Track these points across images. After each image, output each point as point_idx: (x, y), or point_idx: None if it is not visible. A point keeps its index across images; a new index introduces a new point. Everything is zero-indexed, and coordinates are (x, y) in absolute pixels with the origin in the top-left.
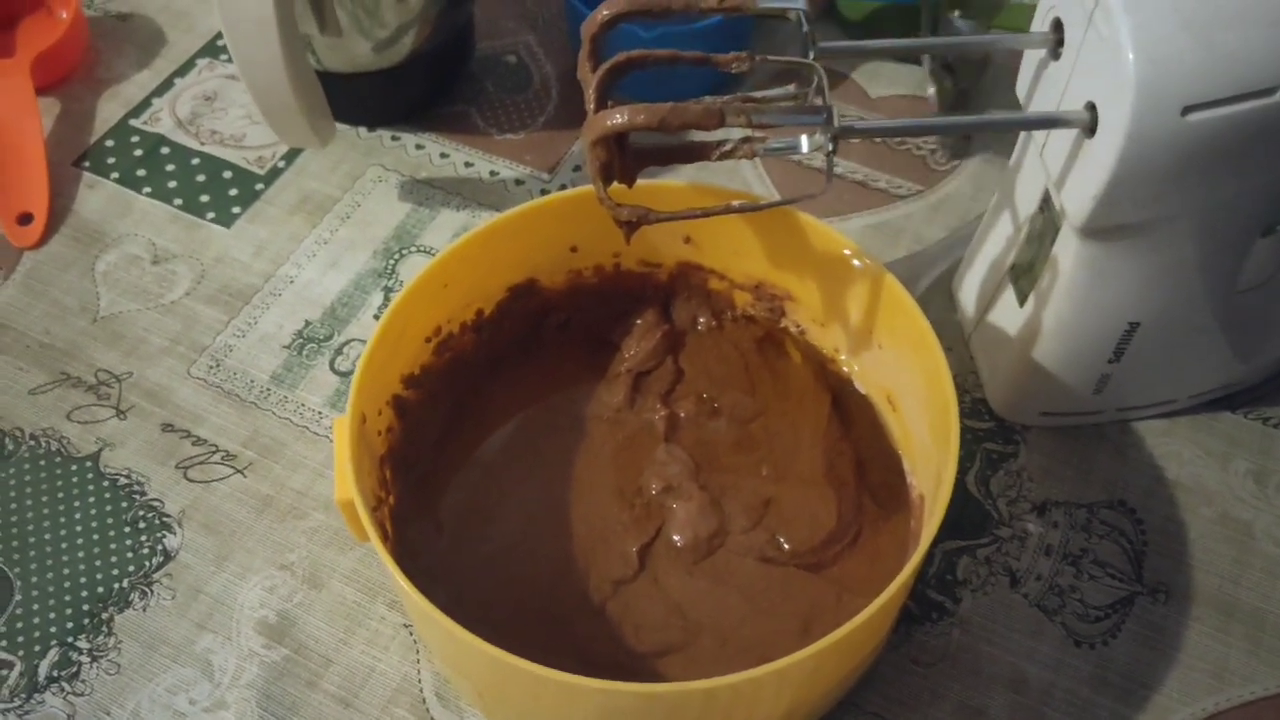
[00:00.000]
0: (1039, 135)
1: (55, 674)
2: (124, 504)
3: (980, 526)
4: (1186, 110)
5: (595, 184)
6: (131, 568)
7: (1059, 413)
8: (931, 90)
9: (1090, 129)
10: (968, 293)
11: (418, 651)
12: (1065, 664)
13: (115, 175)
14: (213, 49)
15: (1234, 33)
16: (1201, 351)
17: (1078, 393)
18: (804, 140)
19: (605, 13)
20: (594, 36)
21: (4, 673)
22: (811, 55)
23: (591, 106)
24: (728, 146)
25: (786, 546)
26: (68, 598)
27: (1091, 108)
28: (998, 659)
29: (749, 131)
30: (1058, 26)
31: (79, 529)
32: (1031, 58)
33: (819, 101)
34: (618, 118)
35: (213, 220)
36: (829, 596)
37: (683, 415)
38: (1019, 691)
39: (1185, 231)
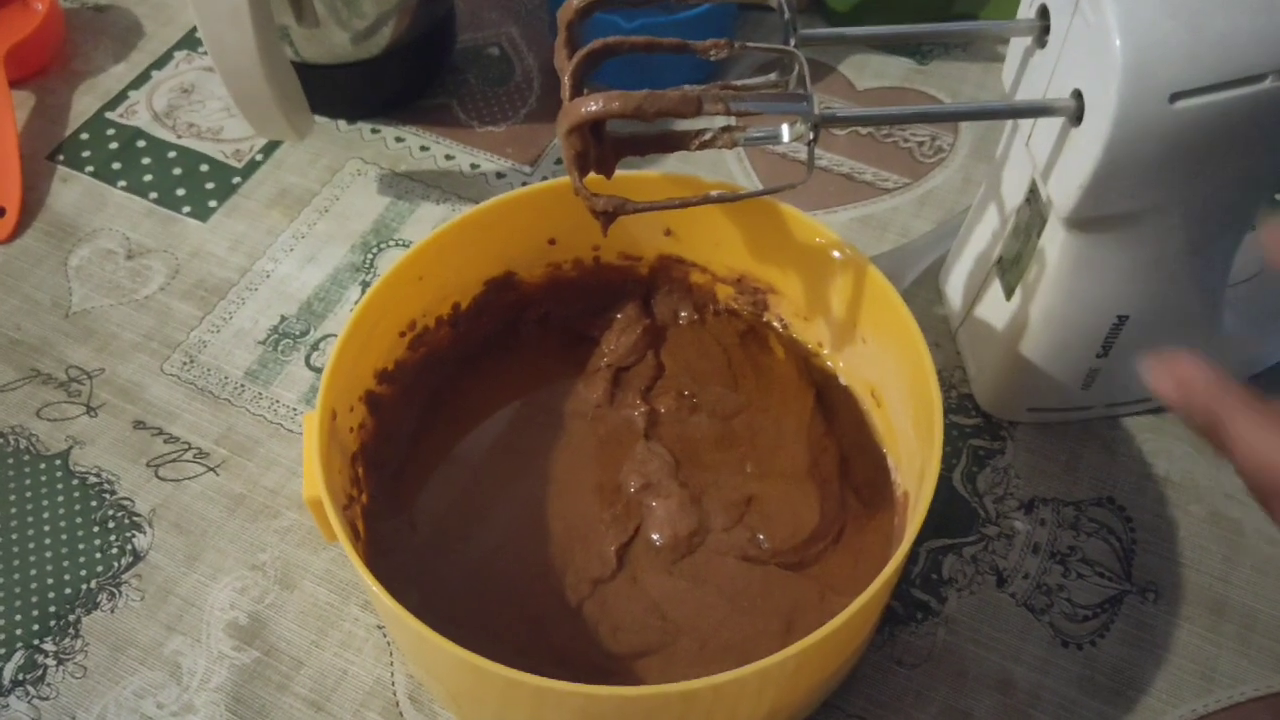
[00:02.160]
0: (1025, 125)
1: (20, 677)
2: (93, 503)
3: (967, 524)
4: (1174, 97)
5: (571, 174)
6: (100, 568)
7: (1047, 408)
8: None
9: (1077, 117)
10: (954, 286)
11: (391, 654)
12: (1053, 664)
13: (90, 169)
14: (191, 41)
15: (1222, 19)
16: (1192, 346)
17: (1066, 388)
18: (785, 129)
19: None
20: (570, 24)
21: None
22: (793, 43)
23: (567, 95)
24: (707, 136)
25: (768, 545)
26: (34, 599)
27: (1078, 95)
28: (984, 660)
29: (729, 120)
30: (1044, 13)
31: (47, 528)
32: (1018, 46)
33: (800, 90)
34: (593, 105)
35: (189, 214)
36: (811, 596)
37: (663, 411)
38: (1005, 693)
39: (1174, 223)
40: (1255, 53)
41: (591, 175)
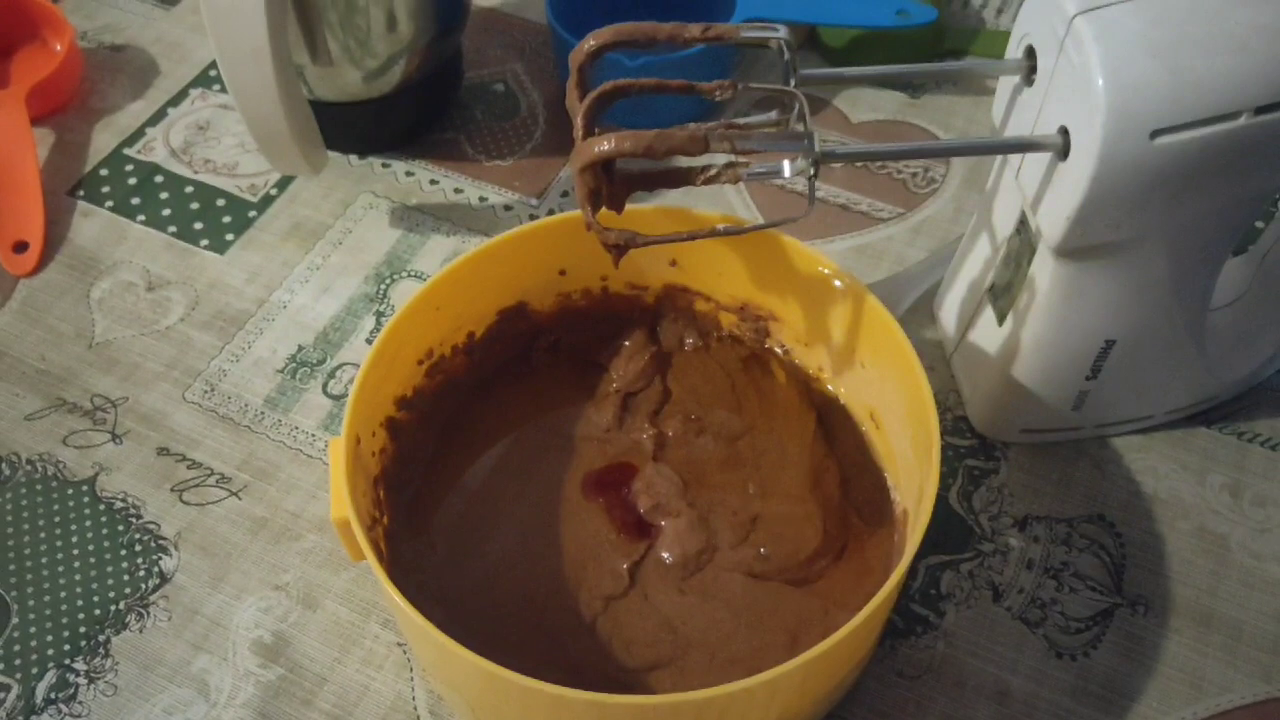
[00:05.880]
0: (1014, 158)
1: (52, 696)
2: (120, 527)
3: (963, 541)
4: (1155, 134)
5: (583, 209)
6: (128, 590)
7: (1039, 429)
8: None
9: (1063, 152)
10: (948, 313)
11: (411, 670)
12: (1047, 675)
13: (110, 204)
14: (205, 79)
15: (1200, 59)
16: (1177, 368)
17: (1057, 410)
18: (786, 165)
19: (592, 42)
20: (581, 66)
21: (1, 695)
22: (793, 83)
23: (579, 134)
24: (712, 171)
25: (773, 562)
26: (65, 620)
27: (1064, 132)
28: (981, 671)
29: (733, 157)
30: (1030, 54)
31: (76, 552)
32: (1006, 84)
33: (800, 127)
34: (605, 144)
35: (206, 247)
36: (816, 610)
37: (670, 434)
38: (1002, 703)
39: (1158, 251)
40: (1231, 91)
41: (603, 210)
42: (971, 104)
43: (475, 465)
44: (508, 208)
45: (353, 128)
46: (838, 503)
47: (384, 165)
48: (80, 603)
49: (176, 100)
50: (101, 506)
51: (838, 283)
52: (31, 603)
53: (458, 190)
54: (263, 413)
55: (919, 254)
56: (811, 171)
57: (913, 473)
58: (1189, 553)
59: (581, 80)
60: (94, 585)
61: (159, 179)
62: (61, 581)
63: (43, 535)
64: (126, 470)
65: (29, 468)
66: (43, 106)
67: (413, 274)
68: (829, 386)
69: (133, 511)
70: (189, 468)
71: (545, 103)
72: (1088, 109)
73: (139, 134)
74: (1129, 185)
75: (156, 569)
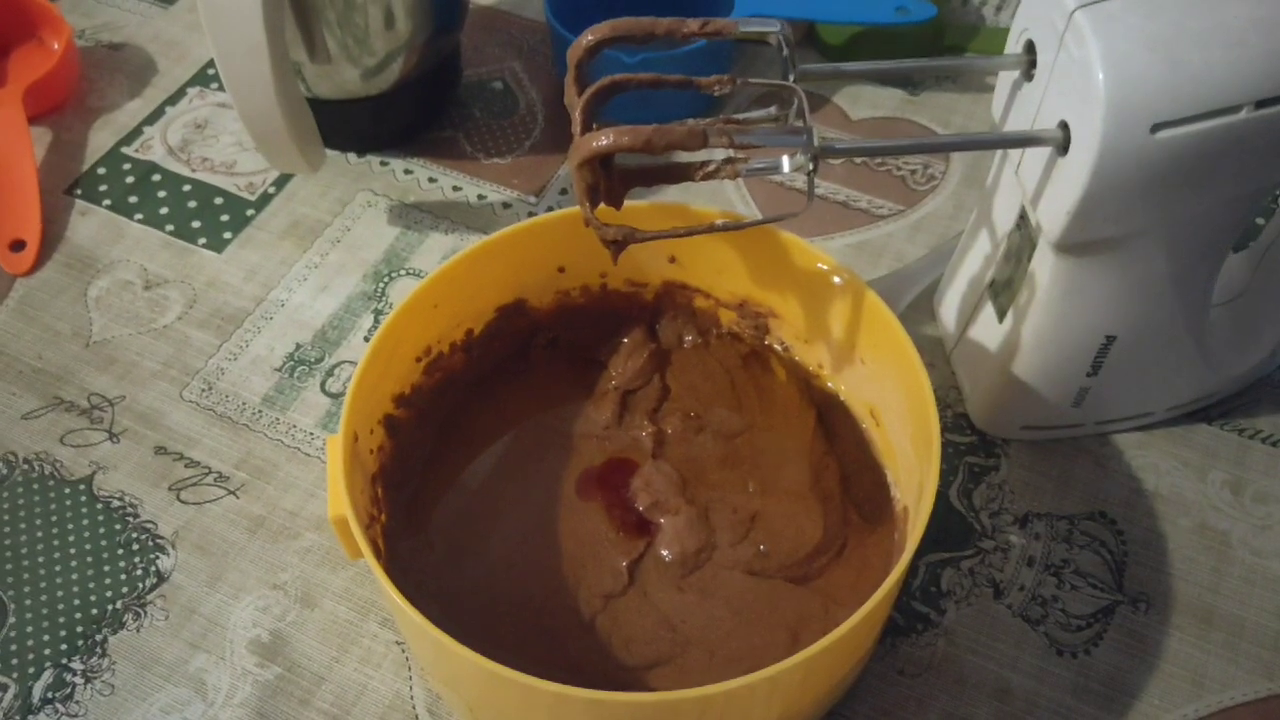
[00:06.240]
0: (1014, 154)
1: (49, 695)
2: (117, 526)
3: (964, 539)
4: (1155, 128)
5: (582, 205)
6: (125, 589)
7: (1039, 426)
8: None
9: (1063, 147)
10: (948, 309)
11: (410, 668)
12: (1048, 673)
13: (107, 202)
14: (203, 77)
15: (1199, 53)
16: (1177, 364)
17: (1057, 406)
18: (785, 160)
19: (590, 38)
20: (579, 62)
21: None
22: (792, 78)
23: (577, 130)
24: (711, 167)
25: (773, 559)
26: (62, 619)
27: (1064, 126)
28: (982, 669)
29: (732, 152)
30: (1030, 48)
31: (73, 551)
32: (1006, 79)
33: (800, 123)
34: (603, 139)
35: (204, 246)
36: (816, 608)
37: (670, 432)
38: (1003, 700)
39: (1158, 246)
40: (1231, 85)
41: (601, 206)
42: (971, 101)
43: (474, 463)
44: (506, 205)
45: (351, 125)
46: (838, 500)
47: (382, 163)
48: (77, 602)
49: (174, 99)
50: (99, 505)
51: (837, 279)
52: (28, 602)
53: (456, 188)
54: (260, 411)
55: (919, 251)
56: (810, 166)
57: (913, 470)
58: (1190, 550)
59: (579, 76)
60: (91, 584)
61: (156, 177)
62: (58, 581)
63: (40, 534)
64: (124, 469)
65: (26, 467)
66: (40, 105)
67: (411, 272)
68: (829, 383)
69: (130, 510)
70: (186, 466)
71: (544, 100)
72: (1088, 103)
73: (136, 132)
74: (1129, 180)
75: (154, 568)
